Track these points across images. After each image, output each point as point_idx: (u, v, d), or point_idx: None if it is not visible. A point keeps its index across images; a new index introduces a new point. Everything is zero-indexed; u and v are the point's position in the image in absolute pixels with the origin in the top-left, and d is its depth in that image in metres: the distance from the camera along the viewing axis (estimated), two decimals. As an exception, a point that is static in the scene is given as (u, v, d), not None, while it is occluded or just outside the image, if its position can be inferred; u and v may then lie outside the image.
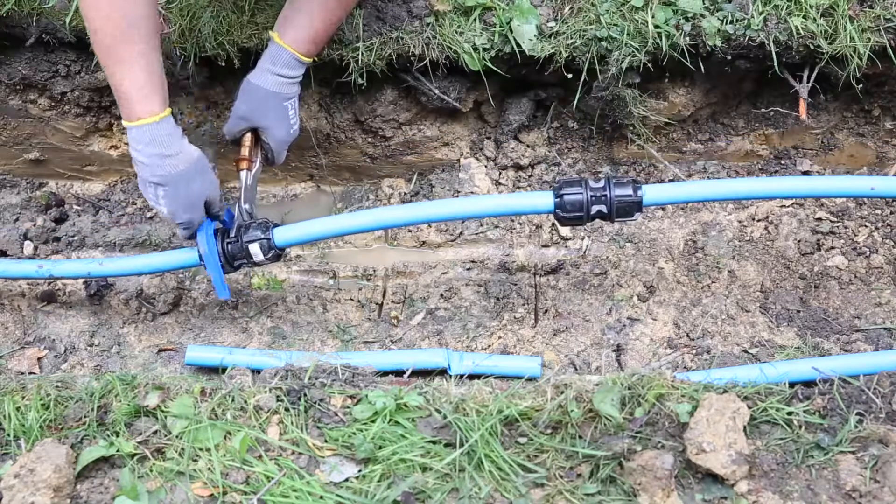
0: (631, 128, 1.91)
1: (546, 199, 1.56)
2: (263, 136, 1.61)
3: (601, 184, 1.53)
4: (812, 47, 1.66)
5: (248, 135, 1.62)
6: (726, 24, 1.66)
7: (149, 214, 2.10)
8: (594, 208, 1.52)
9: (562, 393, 1.27)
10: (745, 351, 1.76)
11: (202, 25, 1.72)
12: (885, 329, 1.75)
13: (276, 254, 1.61)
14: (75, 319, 1.94)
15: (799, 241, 1.89)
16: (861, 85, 1.72)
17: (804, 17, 1.64)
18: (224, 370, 1.50)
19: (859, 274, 1.85)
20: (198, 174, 1.50)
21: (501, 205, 1.61)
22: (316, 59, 1.61)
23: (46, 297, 1.96)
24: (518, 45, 1.69)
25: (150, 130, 1.42)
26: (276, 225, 1.61)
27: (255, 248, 1.57)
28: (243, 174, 1.63)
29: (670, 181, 2.00)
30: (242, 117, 1.59)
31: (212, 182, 1.54)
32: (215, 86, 1.92)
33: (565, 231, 1.95)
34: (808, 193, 1.61)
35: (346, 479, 1.21)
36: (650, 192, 1.54)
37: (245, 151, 1.62)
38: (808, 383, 1.31)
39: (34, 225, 2.06)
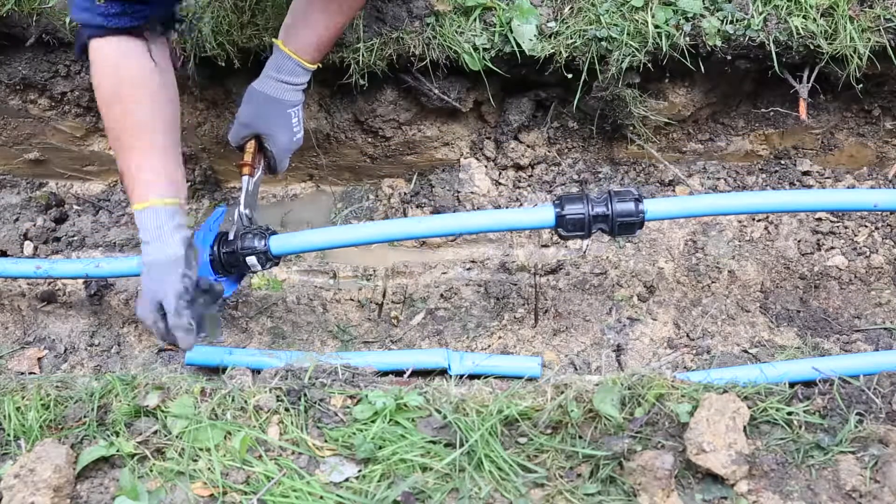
0: (631, 128, 1.91)
1: (547, 216, 1.55)
2: (267, 143, 1.61)
3: (603, 199, 1.53)
4: (812, 47, 1.66)
5: (252, 141, 1.63)
6: (726, 24, 1.66)
7: (149, 214, 2.09)
8: (595, 226, 1.54)
9: (562, 393, 1.27)
10: (745, 351, 1.76)
11: (202, 26, 1.72)
12: (885, 329, 1.75)
13: (274, 263, 1.61)
14: (75, 319, 1.94)
15: (799, 241, 1.89)
16: (861, 85, 1.72)
17: (804, 17, 1.64)
18: (224, 370, 1.50)
19: (859, 274, 1.85)
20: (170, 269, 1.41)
21: (502, 220, 1.60)
22: (319, 64, 1.61)
23: (46, 297, 1.96)
24: (518, 45, 1.69)
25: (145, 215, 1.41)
26: (273, 233, 1.61)
27: (252, 260, 1.58)
28: (245, 179, 1.64)
29: (669, 181, 2.01)
30: (246, 124, 1.59)
31: (174, 282, 1.41)
32: (215, 86, 1.92)
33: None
34: (810, 207, 1.60)
35: (346, 480, 1.21)
36: (652, 209, 1.54)
37: (248, 157, 1.63)
38: (808, 383, 1.31)
39: (34, 225, 2.06)
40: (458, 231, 1.63)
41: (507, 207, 1.99)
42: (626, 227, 1.54)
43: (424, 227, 1.61)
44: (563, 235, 1.57)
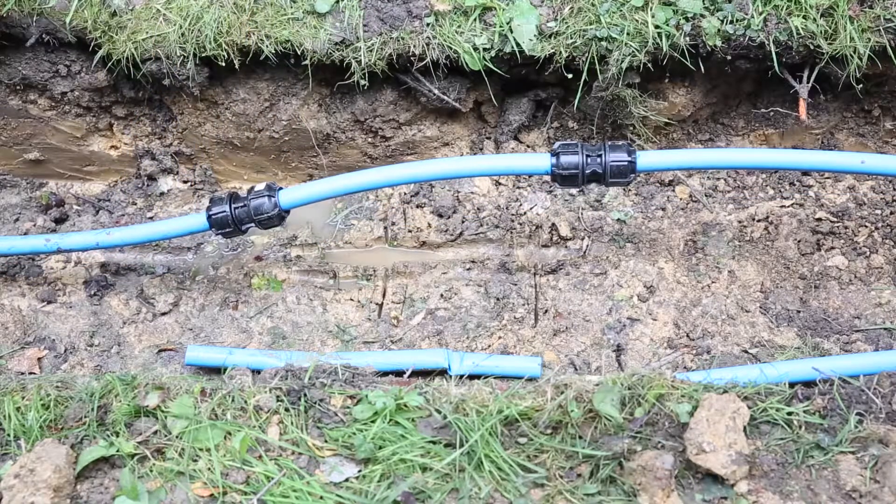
0: (631, 128, 1.91)
1: (543, 161, 1.64)
2: None
3: (597, 146, 1.62)
4: (812, 47, 1.66)
5: None
6: (726, 24, 1.66)
7: (149, 214, 2.10)
8: (589, 168, 1.60)
9: (562, 393, 1.27)
10: (745, 351, 1.76)
11: (202, 26, 1.72)
12: (885, 329, 1.75)
13: (280, 214, 1.70)
14: (75, 319, 1.94)
15: (799, 241, 1.89)
16: (861, 85, 1.72)
17: (804, 17, 1.64)
18: (224, 370, 1.50)
19: (859, 274, 1.85)
20: None
21: (501, 165, 1.70)
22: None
23: (46, 297, 1.96)
24: (518, 44, 1.69)
25: None
26: (281, 188, 1.71)
27: (258, 202, 1.67)
28: None
29: (669, 181, 2.01)
30: None
31: None
32: (215, 86, 1.92)
33: (565, 231, 1.96)
34: (797, 166, 1.68)
35: (346, 480, 1.21)
36: (644, 158, 1.62)
37: None
38: (808, 383, 1.31)
39: (34, 225, 2.06)
40: (459, 174, 1.72)
41: (507, 207, 2.00)
42: (618, 169, 1.60)
43: (425, 170, 1.70)
44: (558, 176, 1.62)
